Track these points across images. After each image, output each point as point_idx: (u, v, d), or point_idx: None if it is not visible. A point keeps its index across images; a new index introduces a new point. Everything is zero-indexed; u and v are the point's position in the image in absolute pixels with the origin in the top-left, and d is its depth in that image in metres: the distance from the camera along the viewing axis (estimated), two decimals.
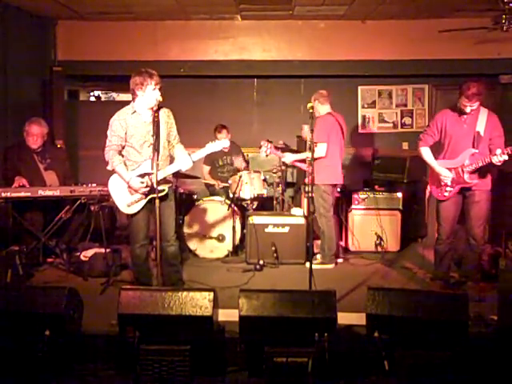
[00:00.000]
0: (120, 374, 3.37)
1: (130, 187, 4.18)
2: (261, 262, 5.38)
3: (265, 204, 6.38)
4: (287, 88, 7.68)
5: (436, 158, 4.56)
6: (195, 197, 6.28)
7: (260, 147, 5.57)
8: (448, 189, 4.48)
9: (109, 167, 4.23)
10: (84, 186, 5.14)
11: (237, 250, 5.91)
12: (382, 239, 5.97)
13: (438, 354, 3.12)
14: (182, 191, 6.04)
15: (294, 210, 5.78)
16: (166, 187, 4.20)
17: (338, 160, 5.44)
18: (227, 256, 5.83)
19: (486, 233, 5.03)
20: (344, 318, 3.51)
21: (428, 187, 4.76)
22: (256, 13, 6.76)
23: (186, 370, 3.18)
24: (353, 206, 6.16)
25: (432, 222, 5.76)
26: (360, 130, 7.76)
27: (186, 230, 5.87)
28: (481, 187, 4.42)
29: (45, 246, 5.25)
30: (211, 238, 5.87)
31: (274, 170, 6.20)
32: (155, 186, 3.90)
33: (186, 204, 6.02)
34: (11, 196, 4.94)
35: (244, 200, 5.95)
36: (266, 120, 7.66)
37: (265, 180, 6.06)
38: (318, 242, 5.54)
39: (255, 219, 5.60)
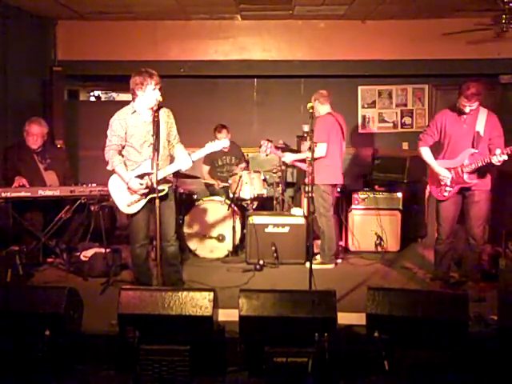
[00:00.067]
0: (120, 374, 3.36)
1: (129, 188, 4.18)
2: (261, 262, 5.38)
3: (265, 204, 6.38)
4: (287, 88, 7.68)
5: (436, 158, 4.56)
6: (195, 197, 6.28)
7: (260, 146, 5.57)
8: (447, 189, 4.48)
9: (109, 167, 4.23)
10: (84, 186, 5.14)
11: (237, 250, 5.91)
12: (381, 239, 5.97)
13: (438, 353, 3.13)
14: (182, 191, 6.03)
15: (294, 210, 5.78)
16: (165, 187, 4.20)
17: (338, 160, 5.45)
18: (227, 256, 5.83)
19: (486, 233, 5.04)
20: (344, 318, 3.51)
21: (428, 187, 4.76)
22: (256, 13, 6.76)
23: (186, 370, 3.18)
24: (353, 206, 6.16)
25: (432, 222, 5.77)
26: (360, 130, 7.76)
27: (185, 229, 5.87)
28: (480, 187, 4.42)
29: (45, 246, 5.26)
30: (211, 237, 5.87)
31: (274, 170, 6.20)
32: (155, 185, 3.90)
33: (186, 204, 6.02)
34: (11, 196, 4.94)
35: (244, 200, 5.95)
36: (266, 120, 7.66)
37: (265, 180, 6.06)
38: (318, 242, 5.54)
39: (255, 219, 5.60)
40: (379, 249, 5.96)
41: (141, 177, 4.14)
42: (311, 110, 4.26)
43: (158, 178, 3.94)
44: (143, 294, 3.32)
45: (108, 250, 4.95)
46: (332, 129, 5.37)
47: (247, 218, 5.64)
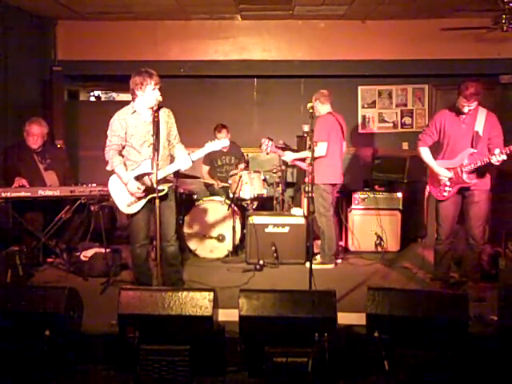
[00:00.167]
0: (120, 374, 3.36)
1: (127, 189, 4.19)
2: (261, 262, 5.38)
3: (265, 204, 6.38)
4: (287, 88, 7.68)
5: (435, 158, 4.56)
6: (195, 197, 6.27)
7: (260, 145, 5.57)
8: (447, 189, 4.47)
9: (108, 167, 4.23)
10: (84, 186, 5.14)
11: (237, 250, 5.91)
12: (381, 239, 5.97)
13: (438, 353, 3.12)
14: (182, 191, 6.03)
15: (294, 210, 5.79)
16: (165, 187, 4.20)
17: (338, 159, 5.45)
18: (227, 256, 5.83)
19: (486, 233, 5.03)
20: (344, 318, 3.51)
21: (427, 187, 4.76)
22: (256, 13, 6.76)
23: (186, 370, 3.18)
24: (353, 206, 6.16)
25: (432, 222, 5.74)
26: (360, 130, 7.76)
27: (186, 229, 5.87)
28: (480, 187, 4.41)
29: (45, 246, 5.26)
30: (211, 237, 5.87)
31: (274, 170, 6.20)
32: (155, 185, 3.90)
33: (186, 204, 6.02)
34: (11, 196, 4.94)
35: (244, 200, 5.95)
36: (266, 120, 7.66)
37: (265, 180, 6.06)
38: (318, 242, 5.55)
39: (255, 219, 5.60)
40: (379, 249, 5.96)
41: (141, 177, 4.14)
42: (311, 110, 4.26)
43: (158, 178, 3.94)
44: (143, 294, 3.32)
45: (108, 250, 4.95)
46: (332, 128, 5.38)
47: (247, 218, 5.64)
